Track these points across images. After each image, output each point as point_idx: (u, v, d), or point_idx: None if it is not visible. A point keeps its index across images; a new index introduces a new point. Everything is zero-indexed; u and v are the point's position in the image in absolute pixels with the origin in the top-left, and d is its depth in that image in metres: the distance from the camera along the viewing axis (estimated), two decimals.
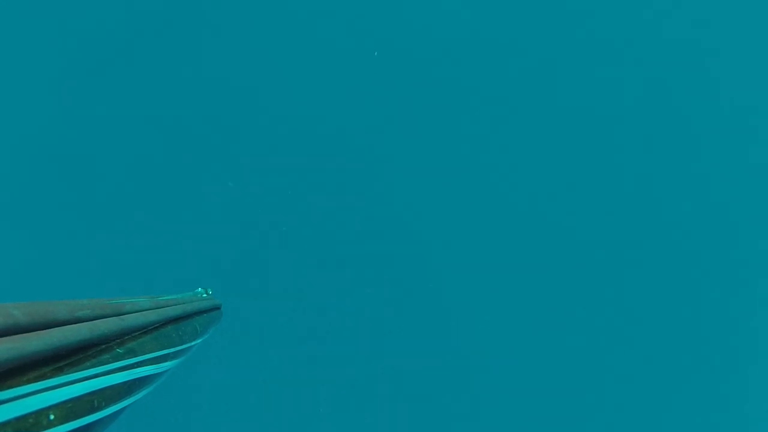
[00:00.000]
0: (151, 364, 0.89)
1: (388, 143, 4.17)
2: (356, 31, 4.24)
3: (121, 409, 0.79)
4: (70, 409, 0.61)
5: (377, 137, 4.17)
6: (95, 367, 0.70)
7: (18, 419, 0.53)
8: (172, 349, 1.01)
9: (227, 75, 4.14)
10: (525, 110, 4.29)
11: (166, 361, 0.97)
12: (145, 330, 0.92)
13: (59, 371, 0.62)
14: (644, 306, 4.14)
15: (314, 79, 4.17)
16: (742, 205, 4.34)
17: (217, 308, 1.49)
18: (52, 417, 0.57)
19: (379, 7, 4.26)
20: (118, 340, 0.81)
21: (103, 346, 0.76)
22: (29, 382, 0.57)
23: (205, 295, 1.51)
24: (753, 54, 4.38)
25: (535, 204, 4.17)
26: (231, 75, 4.15)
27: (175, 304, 1.15)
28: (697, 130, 4.35)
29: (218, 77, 4.14)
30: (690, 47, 4.38)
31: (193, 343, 1.16)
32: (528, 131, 4.24)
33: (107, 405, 0.71)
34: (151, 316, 0.96)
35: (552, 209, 4.17)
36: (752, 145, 4.39)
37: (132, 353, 0.82)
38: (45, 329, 0.63)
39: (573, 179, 4.22)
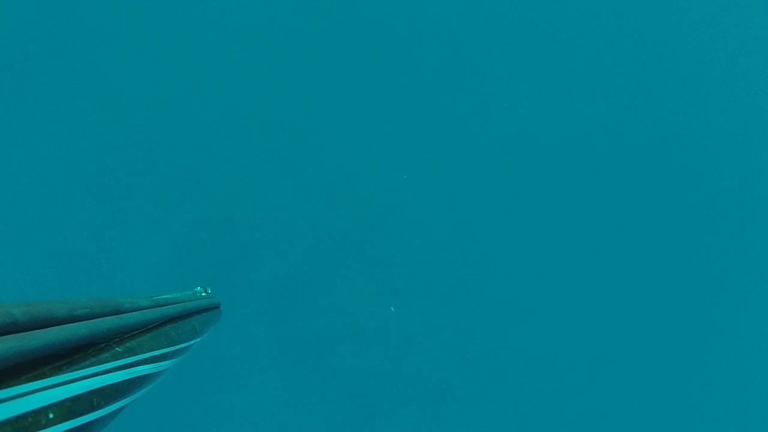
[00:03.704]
0: (150, 363, 0.89)
1: (388, 143, 4.16)
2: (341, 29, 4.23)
3: (121, 407, 0.79)
4: (69, 408, 0.61)
5: (376, 137, 4.17)
6: (94, 365, 0.70)
7: (17, 418, 0.52)
8: (171, 348, 1.01)
9: (224, 76, 4.14)
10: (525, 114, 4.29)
11: (165, 359, 0.97)
12: (144, 329, 0.92)
13: (58, 370, 0.62)
14: (647, 306, 4.14)
15: (308, 80, 4.16)
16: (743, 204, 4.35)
17: (216, 307, 1.49)
18: (51, 416, 0.57)
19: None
20: (117, 339, 0.81)
21: (102, 345, 0.76)
22: (28, 380, 0.56)
23: (204, 294, 1.50)
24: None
25: (536, 202, 4.17)
26: (228, 77, 4.14)
27: (174, 303, 1.15)
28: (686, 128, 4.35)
29: (215, 79, 4.14)
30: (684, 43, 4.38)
31: (192, 342, 1.16)
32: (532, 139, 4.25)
33: (106, 404, 0.71)
34: (150, 315, 0.96)
35: (554, 207, 4.16)
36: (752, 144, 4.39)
37: (131, 352, 0.82)
38: (44, 328, 0.63)
39: (572, 178, 4.22)
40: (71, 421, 0.61)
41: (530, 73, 4.28)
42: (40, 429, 0.55)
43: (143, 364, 0.86)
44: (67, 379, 0.62)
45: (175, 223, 3.91)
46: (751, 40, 4.41)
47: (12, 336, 0.56)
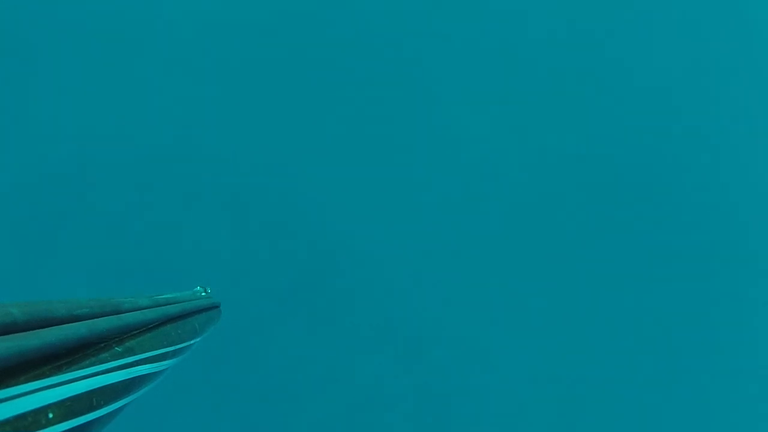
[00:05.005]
0: (150, 363, 0.89)
1: (341, 186, 4.04)
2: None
3: (120, 407, 0.79)
4: (69, 408, 0.61)
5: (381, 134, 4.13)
6: (94, 365, 0.70)
7: (17, 418, 0.52)
8: (171, 348, 1.01)
9: (222, 80, 4.13)
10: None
11: (165, 359, 0.97)
12: (144, 328, 0.92)
13: (58, 370, 0.62)
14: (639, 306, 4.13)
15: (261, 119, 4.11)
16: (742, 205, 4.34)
17: (215, 307, 1.49)
18: (51, 415, 0.57)
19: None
20: (117, 339, 0.81)
21: (102, 345, 0.76)
22: (28, 380, 0.56)
23: (204, 294, 1.50)
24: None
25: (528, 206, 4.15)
26: (228, 80, 4.13)
27: (174, 303, 1.15)
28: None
29: (215, 80, 4.14)
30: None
31: (192, 342, 1.16)
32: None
33: (106, 403, 0.71)
34: (149, 315, 0.96)
35: (550, 212, 4.14)
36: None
37: (131, 352, 0.82)
38: (44, 328, 0.63)
39: (569, 179, 4.21)
40: (71, 420, 0.61)
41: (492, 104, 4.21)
42: (40, 428, 0.55)
43: (143, 364, 0.86)
44: (66, 378, 0.62)
45: (176, 221, 3.91)
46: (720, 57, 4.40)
47: (12, 336, 0.56)
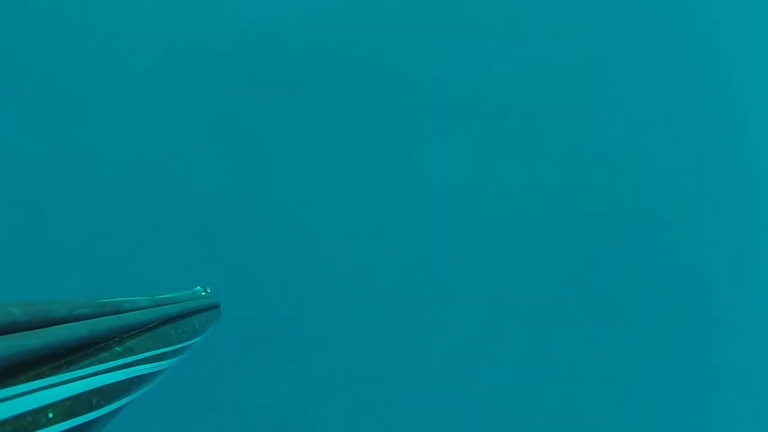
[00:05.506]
0: (150, 363, 0.89)
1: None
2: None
3: (120, 407, 0.79)
4: (68, 408, 0.61)
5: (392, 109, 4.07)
6: (94, 365, 0.70)
7: (16, 417, 0.53)
8: (171, 348, 1.01)
9: (220, 77, 4.12)
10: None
11: (164, 359, 0.98)
12: (143, 328, 0.93)
13: (58, 369, 0.62)
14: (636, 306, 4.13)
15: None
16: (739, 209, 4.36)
17: (215, 307, 1.49)
18: (50, 415, 0.57)
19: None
20: (116, 339, 0.81)
21: (102, 345, 0.77)
22: (27, 380, 0.57)
23: (204, 294, 1.51)
24: None
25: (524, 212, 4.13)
26: (223, 76, 4.12)
27: (174, 303, 1.15)
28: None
29: (213, 78, 4.14)
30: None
31: (191, 342, 1.16)
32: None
33: (106, 403, 0.71)
34: (149, 315, 0.96)
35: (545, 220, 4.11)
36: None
37: (131, 351, 0.82)
38: (43, 327, 0.63)
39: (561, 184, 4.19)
40: (71, 420, 0.61)
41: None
42: (40, 428, 0.55)
43: (143, 364, 0.86)
44: (66, 378, 0.62)
45: (175, 221, 3.91)
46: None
47: (11, 335, 0.57)
